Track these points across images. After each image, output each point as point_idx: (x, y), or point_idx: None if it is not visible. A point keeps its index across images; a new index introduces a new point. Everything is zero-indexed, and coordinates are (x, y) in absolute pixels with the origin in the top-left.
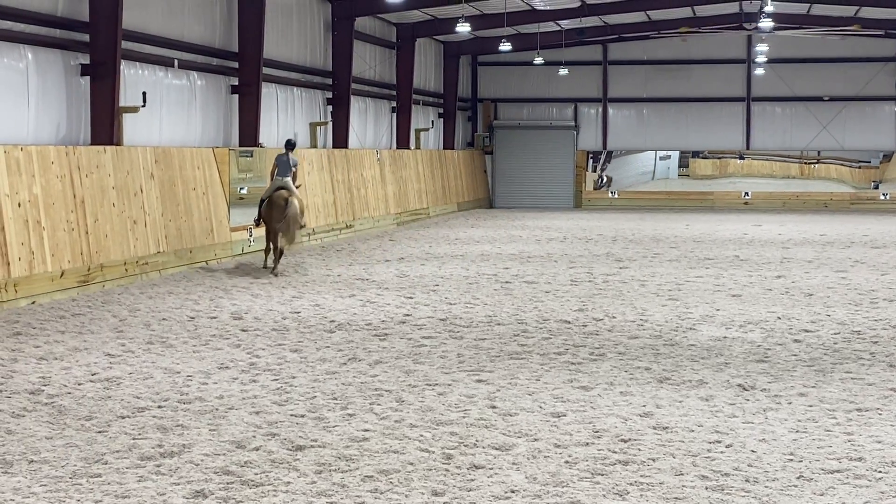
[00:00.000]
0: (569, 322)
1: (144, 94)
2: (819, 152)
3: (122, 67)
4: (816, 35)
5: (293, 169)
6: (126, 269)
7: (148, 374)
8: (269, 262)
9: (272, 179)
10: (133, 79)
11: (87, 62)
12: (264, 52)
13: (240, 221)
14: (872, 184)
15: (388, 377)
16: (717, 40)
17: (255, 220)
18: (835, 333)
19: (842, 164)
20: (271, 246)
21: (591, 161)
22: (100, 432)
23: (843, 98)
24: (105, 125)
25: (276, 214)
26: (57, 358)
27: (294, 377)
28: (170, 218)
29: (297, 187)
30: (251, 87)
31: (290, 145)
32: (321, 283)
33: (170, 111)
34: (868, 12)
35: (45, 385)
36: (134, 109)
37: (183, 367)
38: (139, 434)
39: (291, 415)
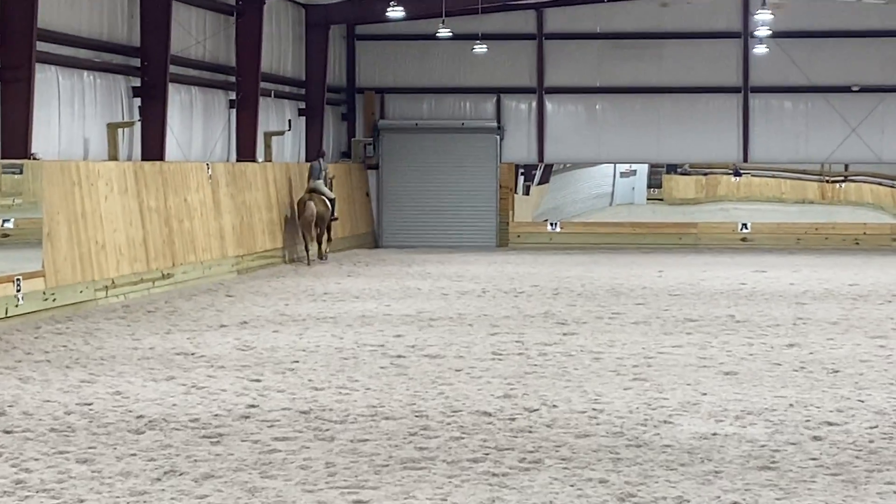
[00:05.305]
0: (489, 414)
1: None
2: (847, 166)
3: None
4: None
5: (323, 172)
6: None
7: None
8: (312, 257)
9: (308, 183)
10: None
11: None
12: (38, 20)
13: (3, 270)
14: None
15: (223, 498)
16: (700, 4)
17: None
18: (870, 427)
19: (880, 184)
20: (306, 242)
21: (521, 178)
22: None
23: (881, 88)
24: None
25: (299, 214)
26: None
27: (83, 501)
28: None
29: (331, 179)
30: (19, 71)
31: (321, 154)
32: (124, 359)
33: None
34: None
35: None
36: None
37: None
38: None
39: None
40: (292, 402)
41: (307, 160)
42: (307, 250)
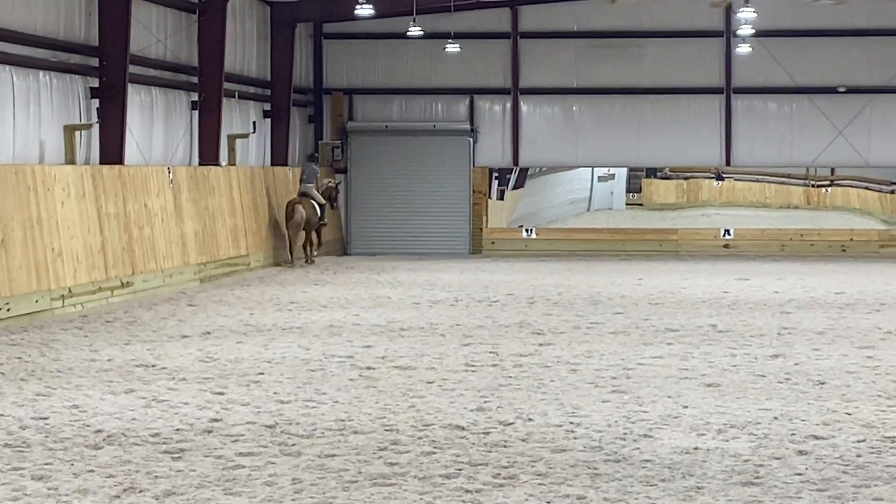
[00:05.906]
0: (462, 428)
1: None
2: (833, 170)
3: None
4: None
5: (317, 175)
6: None
7: None
8: (302, 260)
9: (300, 184)
10: None
11: None
12: None
13: None
14: None
15: None
16: (681, 3)
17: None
18: (858, 441)
19: (867, 188)
20: (299, 244)
21: (496, 182)
22: None
23: (868, 89)
24: None
25: (288, 216)
26: None
27: None
28: None
29: (333, 185)
30: None
31: (313, 158)
32: (82, 372)
33: None
34: None
35: None
36: None
37: None
38: None
39: None
40: (257, 415)
41: (273, 164)
42: (291, 253)
